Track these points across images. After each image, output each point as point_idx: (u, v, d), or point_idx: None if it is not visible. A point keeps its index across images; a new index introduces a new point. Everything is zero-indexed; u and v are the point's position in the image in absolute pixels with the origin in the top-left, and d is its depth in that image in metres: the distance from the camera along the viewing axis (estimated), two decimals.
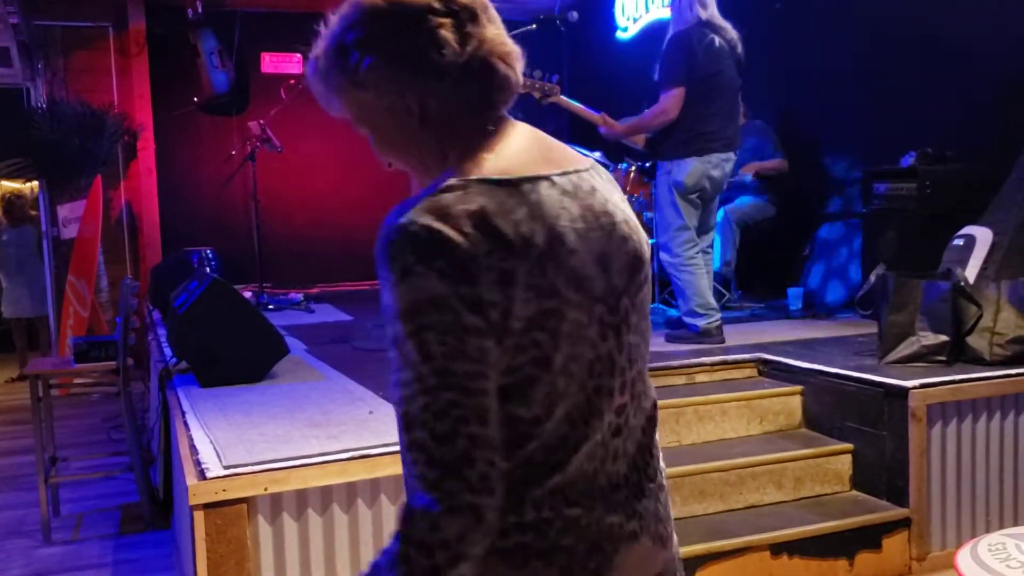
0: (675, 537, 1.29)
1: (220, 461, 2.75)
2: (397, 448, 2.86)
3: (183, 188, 8.50)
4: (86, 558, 3.99)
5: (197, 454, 2.85)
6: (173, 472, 3.72)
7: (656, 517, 1.23)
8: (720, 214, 5.25)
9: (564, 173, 1.18)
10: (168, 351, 4.40)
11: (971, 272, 3.95)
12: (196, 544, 2.64)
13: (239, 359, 3.83)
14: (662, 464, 1.30)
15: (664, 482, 1.29)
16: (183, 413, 3.41)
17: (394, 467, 2.80)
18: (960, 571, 1.47)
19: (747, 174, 5.82)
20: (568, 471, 1.14)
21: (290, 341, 4.56)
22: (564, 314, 1.12)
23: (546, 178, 1.16)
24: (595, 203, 1.19)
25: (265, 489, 2.67)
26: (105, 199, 8.01)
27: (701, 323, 4.44)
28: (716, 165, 4.37)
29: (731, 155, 4.43)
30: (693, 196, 4.40)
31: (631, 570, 1.17)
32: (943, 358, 3.74)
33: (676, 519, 3.45)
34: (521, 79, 1.24)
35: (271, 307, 6.59)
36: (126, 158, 8.34)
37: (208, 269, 7.19)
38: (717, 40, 4.36)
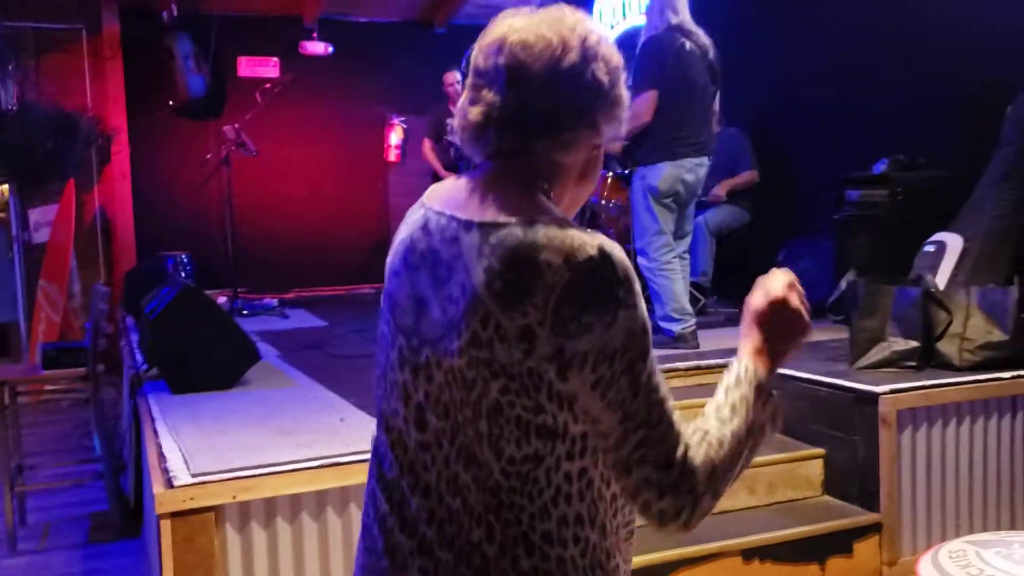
0: None
1: (188, 469, 2.73)
2: (367, 456, 2.85)
3: (158, 193, 8.43)
4: (53, 568, 3.94)
5: (165, 462, 2.82)
6: (143, 479, 3.69)
7: None
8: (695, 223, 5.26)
9: (441, 214, 1.24)
10: (139, 357, 4.37)
11: (942, 278, 3.98)
12: (163, 553, 2.61)
13: (210, 365, 3.80)
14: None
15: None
16: (152, 420, 3.38)
17: (364, 475, 2.78)
18: None
19: (720, 194, 5.86)
20: (383, 468, 1.28)
21: (263, 347, 4.53)
22: (381, 319, 1.30)
23: (430, 212, 1.27)
24: (444, 251, 1.21)
25: (234, 497, 2.65)
26: (78, 203, 7.93)
27: (676, 328, 4.45)
28: (689, 170, 4.38)
29: (704, 160, 4.45)
30: (668, 200, 4.41)
31: None
32: (913, 364, 3.76)
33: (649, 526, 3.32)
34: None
35: (245, 312, 6.55)
36: (100, 162, 8.27)
37: (183, 274, 7.16)
38: (688, 44, 4.38)
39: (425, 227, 1.24)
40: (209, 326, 3.86)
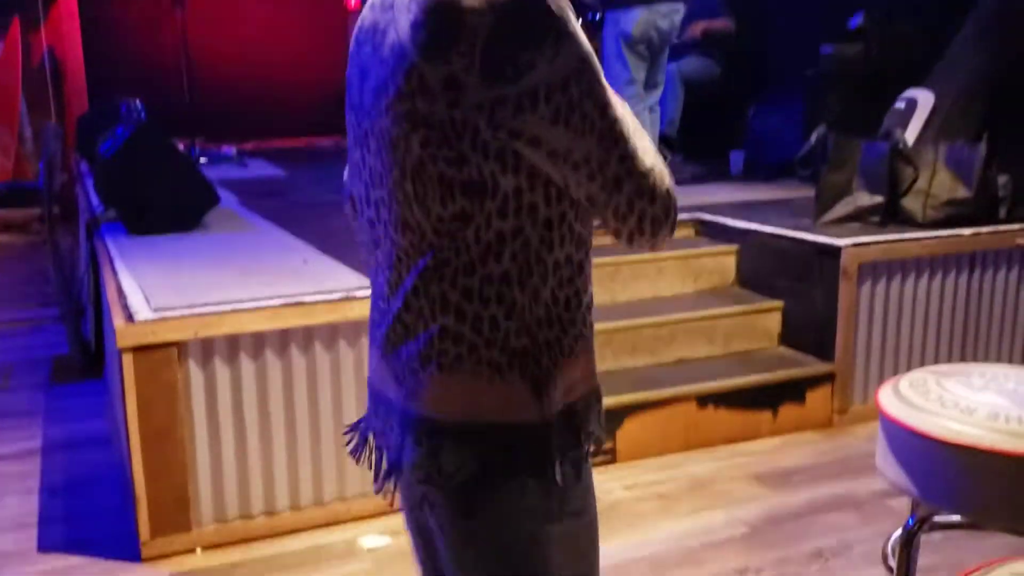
0: (415, 394, 1.20)
1: (149, 304, 2.70)
2: (332, 296, 2.83)
3: (110, 34, 8.08)
4: (16, 405, 3.94)
5: (125, 298, 2.79)
6: (103, 320, 3.66)
7: (392, 354, 1.22)
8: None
9: None
10: (95, 200, 4.26)
11: (911, 135, 3.96)
12: (125, 387, 2.61)
13: (168, 207, 3.73)
14: (409, 318, 1.20)
15: (409, 341, 1.20)
16: (111, 260, 3.33)
17: (328, 315, 2.78)
18: (880, 404, 1.50)
19: (695, 32, 5.71)
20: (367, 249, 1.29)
21: (223, 194, 4.43)
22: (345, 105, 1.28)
23: None
24: (381, 19, 1.18)
25: (196, 333, 2.63)
26: (25, 44, 7.58)
27: None
28: (664, 15, 4.27)
29: (679, 6, 4.33)
30: (640, 47, 4.30)
31: (371, 373, 1.30)
32: (877, 218, 3.79)
33: (608, 371, 3.49)
34: None
35: (203, 160, 6.39)
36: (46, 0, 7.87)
37: (136, 119, 6.93)
38: None
39: (371, 6, 1.23)
40: (167, 166, 3.76)
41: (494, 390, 1.16)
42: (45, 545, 2.80)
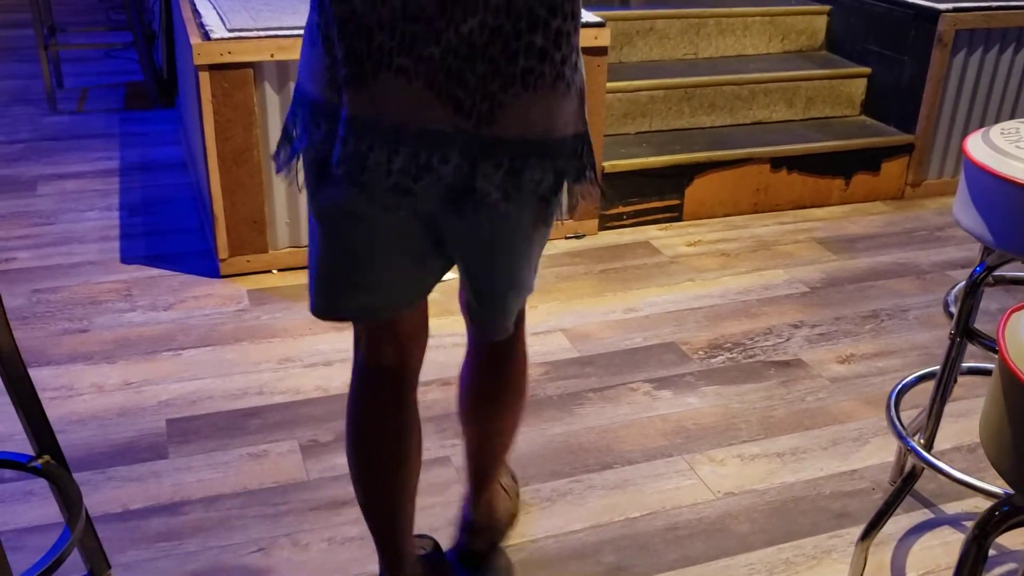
0: (500, 118, 1.13)
1: (224, 25, 2.67)
2: None
3: None
4: (93, 128, 4.03)
5: (200, 17, 2.76)
6: (176, 46, 3.65)
7: (451, 72, 1.11)
8: None
9: None
10: None
11: None
12: (203, 107, 2.63)
13: None
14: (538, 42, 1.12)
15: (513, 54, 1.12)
16: None
17: None
18: (967, 149, 1.46)
19: None
20: None
21: None
22: None
23: None
24: None
25: (271, 55, 2.62)
26: None
27: None
28: None
29: None
30: None
31: (389, 99, 1.12)
32: None
33: (683, 128, 3.43)
34: None
35: None
36: None
37: None
38: None
39: None
40: None
41: (569, 103, 1.18)
42: (127, 257, 2.94)
